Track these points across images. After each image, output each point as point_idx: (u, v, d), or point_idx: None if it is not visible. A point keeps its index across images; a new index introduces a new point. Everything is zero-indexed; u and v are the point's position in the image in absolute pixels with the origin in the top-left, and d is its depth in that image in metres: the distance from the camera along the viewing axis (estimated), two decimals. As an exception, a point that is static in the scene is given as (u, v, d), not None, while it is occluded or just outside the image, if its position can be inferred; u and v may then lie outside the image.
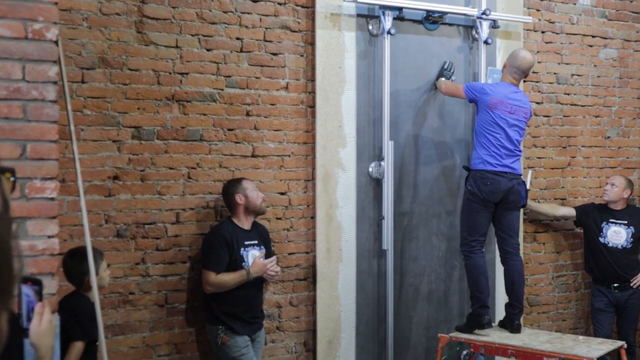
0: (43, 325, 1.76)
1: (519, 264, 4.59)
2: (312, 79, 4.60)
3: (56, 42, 2.88)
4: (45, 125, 2.84)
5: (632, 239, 5.42)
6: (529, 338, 4.50)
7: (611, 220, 5.44)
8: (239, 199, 4.16)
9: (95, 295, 3.30)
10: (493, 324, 4.66)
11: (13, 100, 2.79)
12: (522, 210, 4.90)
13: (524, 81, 5.34)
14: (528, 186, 4.61)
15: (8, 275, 0.80)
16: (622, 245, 5.41)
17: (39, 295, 1.78)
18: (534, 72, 5.45)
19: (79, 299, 3.48)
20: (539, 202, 5.55)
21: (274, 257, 4.24)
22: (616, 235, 5.42)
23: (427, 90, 4.98)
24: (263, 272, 4.16)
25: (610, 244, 5.42)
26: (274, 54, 4.53)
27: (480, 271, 4.51)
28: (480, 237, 4.52)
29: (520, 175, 4.54)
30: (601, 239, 5.44)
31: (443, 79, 4.84)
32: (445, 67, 4.88)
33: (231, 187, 4.20)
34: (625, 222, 5.43)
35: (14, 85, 2.79)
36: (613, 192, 5.44)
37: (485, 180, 4.44)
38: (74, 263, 3.48)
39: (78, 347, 3.38)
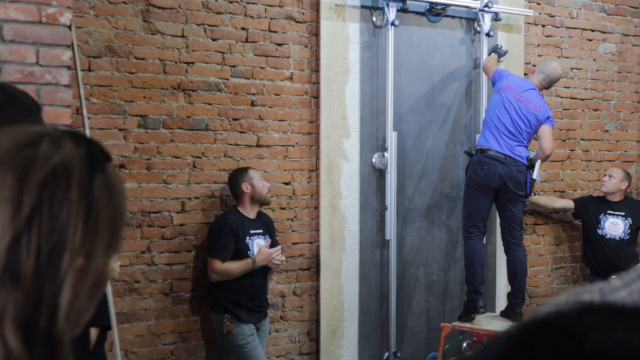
0: None
1: (522, 254, 4.64)
2: (317, 70, 4.62)
3: (69, 27, 2.89)
4: (59, 109, 2.85)
5: (629, 230, 5.47)
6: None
7: (609, 211, 5.49)
8: (245, 187, 4.18)
9: (107, 285, 3.31)
10: (493, 314, 4.71)
11: (27, 84, 2.79)
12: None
13: (525, 74, 5.39)
14: (534, 176, 4.63)
15: (122, 220, 0.84)
16: (619, 237, 5.46)
17: None
18: (534, 66, 5.49)
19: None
20: (538, 194, 5.59)
21: (279, 247, 4.26)
22: (614, 226, 5.47)
23: (430, 81, 5.01)
24: (268, 261, 4.18)
25: (608, 236, 5.46)
26: (279, 45, 4.55)
27: (475, 257, 4.58)
28: (477, 223, 4.58)
29: (524, 163, 4.57)
30: (599, 231, 5.48)
31: (494, 54, 4.99)
32: (499, 46, 5.04)
33: (238, 175, 4.22)
34: (623, 213, 5.48)
35: (28, 69, 2.80)
36: (611, 183, 5.49)
37: (482, 164, 4.51)
38: None
39: (93, 333, 3.39)
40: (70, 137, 0.81)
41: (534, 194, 5.52)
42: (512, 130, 4.52)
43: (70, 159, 0.78)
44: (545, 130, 4.62)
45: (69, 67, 2.89)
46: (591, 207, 5.55)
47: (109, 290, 3.31)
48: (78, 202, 0.77)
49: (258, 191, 4.21)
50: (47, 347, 0.74)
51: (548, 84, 4.78)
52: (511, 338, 0.41)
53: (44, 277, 0.75)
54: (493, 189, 4.55)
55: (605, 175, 5.59)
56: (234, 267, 4.11)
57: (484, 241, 4.80)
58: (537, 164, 4.67)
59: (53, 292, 0.75)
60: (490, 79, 4.82)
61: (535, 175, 4.62)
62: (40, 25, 2.82)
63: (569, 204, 5.61)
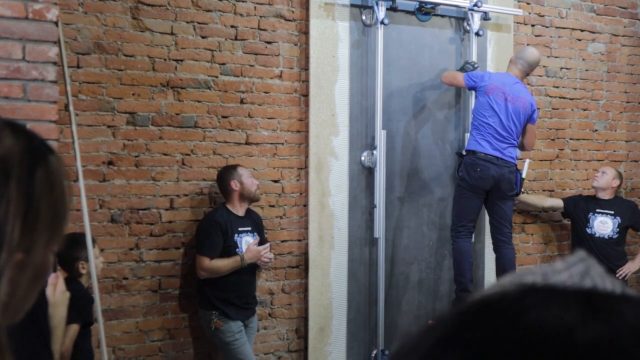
0: (57, 296, 1.78)
1: (511, 252, 4.67)
2: (306, 68, 4.63)
3: (56, 23, 2.90)
4: (45, 105, 2.85)
5: (618, 229, 5.49)
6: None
7: (597, 210, 5.51)
8: (234, 185, 4.19)
9: (94, 280, 3.32)
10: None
11: (13, 80, 2.80)
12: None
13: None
14: (524, 175, 4.66)
15: (64, 214, 0.83)
16: (608, 236, 5.48)
17: (53, 267, 1.80)
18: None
19: (71, 283, 3.49)
20: (527, 193, 5.61)
21: (267, 244, 4.27)
22: (602, 225, 5.49)
23: (419, 80, 5.03)
24: (257, 258, 4.18)
25: (597, 235, 5.48)
26: (268, 43, 4.55)
27: (463, 256, 4.62)
28: (467, 223, 4.61)
29: (514, 164, 4.61)
30: (588, 230, 5.50)
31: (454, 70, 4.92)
32: (470, 62, 4.92)
33: (226, 173, 4.23)
34: (612, 212, 5.50)
35: (14, 65, 2.80)
36: (603, 179, 5.51)
37: (475, 166, 4.53)
38: (64, 249, 3.49)
39: (73, 329, 3.39)
40: (11, 130, 0.79)
41: (523, 193, 5.54)
42: (502, 133, 4.55)
43: (9, 154, 0.77)
44: (530, 130, 4.71)
45: (55, 64, 2.89)
46: (580, 206, 5.57)
47: (95, 286, 3.32)
48: (17, 199, 0.75)
49: (247, 189, 4.22)
50: None
51: (528, 69, 4.75)
52: (454, 318, 0.42)
53: None
54: (485, 190, 4.58)
55: (597, 171, 5.61)
56: (223, 264, 4.11)
57: (472, 240, 4.83)
58: (526, 163, 4.71)
59: None
60: (464, 86, 4.72)
61: (525, 174, 4.65)
62: (26, 21, 2.82)
63: (558, 202, 5.63)
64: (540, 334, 0.39)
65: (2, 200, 0.75)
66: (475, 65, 4.92)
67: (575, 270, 0.45)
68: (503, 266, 4.65)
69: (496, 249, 4.69)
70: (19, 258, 0.77)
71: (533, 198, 5.60)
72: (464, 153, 4.74)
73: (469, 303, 0.43)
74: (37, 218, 0.78)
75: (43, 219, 0.79)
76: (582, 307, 0.40)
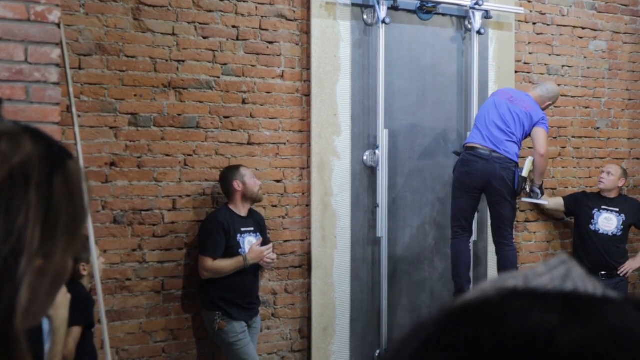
0: (58, 297, 1.78)
1: (512, 254, 4.65)
2: (308, 68, 4.63)
3: (58, 25, 2.90)
4: (47, 107, 2.85)
5: (622, 227, 5.48)
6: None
7: (603, 207, 5.49)
8: (237, 185, 4.19)
9: (97, 282, 3.32)
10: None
11: (16, 82, 2.80)
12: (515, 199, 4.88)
13: (516, 72, 5.42)
14: (524, 173, 4.61)
15: (82, 218, 0.83)
16: (612, 233, 5.47)
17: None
18: (525, 64, 5.53)
19: (72, 285, 3.49)
20: (532, 194, 5.59)
21: (270, 245, 4.27)
22: (607, 222, 5.48)
23: (421, 79, 5.02)
24: (260, 259, 4.18)
25: (600, 231, 5.46)
26: (270, 43, 4.55)
27: (459, 256, 4.63)
28: (462, 223, 4.63)
29: (511, 159, 4.55)
30: (591, 226, 5.49)
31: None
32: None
33: (229, 173, 4.23)
34: (617, 209, 5.49)
35: (16, 67, 2.80)
36: (609, 181, 5.49)
37: (464, 162, 4.55)
38: None
39: (76, 331, 3.40)
40: (30, 135, 0.80)
41: (526, 192, 5.51)
42: (499, 125, 4.52)
43: (29, 160, 0.77)
44: (539, 132, 4.63)
45: (58, 65, 2.89)
46: (584, 203, 5.55)
47: (98, 288, 3.32)
48: (36, 205, 0.76)
49: (249, 189, 4.22)
50: (4, 345, 0.74)
51: (545, 96, 4.82)
52: (437, 323, 0.43)
53: (1, 281, 0.74)
54: (477, 188, 4.55)
55: (602, 172, 5.58)
56: (225, 264, 4.11)
57: (471, 239, 4.82)
58: (527, 160, 4.66)
59: (10, 294, 0.74)
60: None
61: (524, 172, 4.61)
62: (28, 23, 2.82)
63: (559, 202, 5.61)
64: (521, 338, 0.39)
65: (22, 206, 0.75)
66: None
67: (556, 273, 0.45)
68: (504, 269, 4.64)
69: (497, 251, 4.69)
70: (39, 264, 0.77)
71: (551, 203, 5.56)
72: (460, 152, 4.74)
73: (452, 307, 0.43)
74: (56, 223, 0.78)
75: (62, 224, 0.79)
76: (562, 310, 0.40)
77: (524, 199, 5.36)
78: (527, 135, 4.65)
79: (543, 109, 4.79)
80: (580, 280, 0.44)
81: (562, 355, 0.38)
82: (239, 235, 4.19)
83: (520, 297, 0.42)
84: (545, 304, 0.41)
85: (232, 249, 4.15)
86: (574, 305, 0.41)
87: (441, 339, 0.41)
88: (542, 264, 0.46)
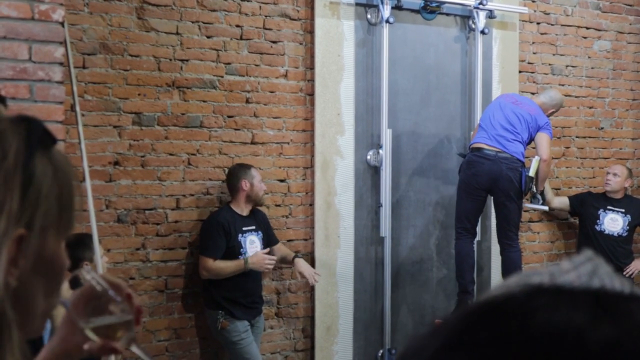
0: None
1: (516, 255, 4.65)
2: (311, 67, 4.63)
3: (62, 24, 2.90)
4: (51, 105, 2.86)
5: (628, 227, 5.46)
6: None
7: (609, 207, 5.48)
8: (245, 184, 4.17)
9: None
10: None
11: (20, 81, 2.81)
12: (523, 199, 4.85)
13: (520, 72, 5.42)
14: (531, 173, 4.57)
15: (69, 201, 0.83)
16: (617, 233, 5.45)
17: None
18: (529, 63, 5.52)
19: (76, 284, 3.49)
20: (536, 193, 5.58)
21: (273, 257, 4.21)
22: (613, 222, 5.46)
23: (424, 79, 5.02)
24: (260, 266, 4.14)
25: (606, 232, 5.45)
26: (274, 42, 4.55)
27: (462, 257, 4.62)
28: (466, 224, 4.62)
29: (518, 159, 4.53)
30: (597, 227, 5.47)
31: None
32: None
33: (240, 171, 4.21)
34: (623, 210, 5.47)
35: (20, 65, 2.81)
36: (616, 182, 5.46)
37: (470, 164, 4.53)
38: (69, 249, 3.49)
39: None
40: (14, 116, 0.80)
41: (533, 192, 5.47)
42: (505, 125, 4.51)
43: (5, 132, 0.77)
44: (543, 137, 4.60)
45: (61, 64, 2.90)
46: (589, 203, 5.53)
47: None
48: (14, 171, 0.76)
49: (255, 192, 4.20)
50: None
51: (549, 103, 4.81)
52: (460, 319, 0.42)
53: None
54: (483, 190, 4.54)
55: (608, 174, 5.55)
56: (225, 266, 4.10)
57: (475, 240, 4.81)
58: (534, 160, 4.62)
59: None
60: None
61: (532, 172, 4.57)
62: (32, 22, 2.83)
63: (564, 202, 5.59)
64: (549, 335, 0.38)
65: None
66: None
67: (582, 270, 0.44)
68: (508, 269, 4.64)
69: (501, 251, 4.69)
70: (20, 232, 0.76)
71: (556, 202, 5.54)
72: (465, 154, 4.73)
73: (475, 304, 0.42)
74: (38, 196, 0.78)
75: (47, 199, 0.78)
76: (591, 307, 0.40)
77: (526, 204, 5.33)
78: (531, 139, 4.63)
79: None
80: (607, 277, 0.43)
81: (592, 353, 0.37)
82: (240, 235, 4.18)
83: (546, 294, 0.41)
84: (573, 301, 0.40)
85: (234, 249, 4.15)
86: (602, 303, 0.40)
87: (465, 336, 0.40)
88: (568, 261, 0.45)
